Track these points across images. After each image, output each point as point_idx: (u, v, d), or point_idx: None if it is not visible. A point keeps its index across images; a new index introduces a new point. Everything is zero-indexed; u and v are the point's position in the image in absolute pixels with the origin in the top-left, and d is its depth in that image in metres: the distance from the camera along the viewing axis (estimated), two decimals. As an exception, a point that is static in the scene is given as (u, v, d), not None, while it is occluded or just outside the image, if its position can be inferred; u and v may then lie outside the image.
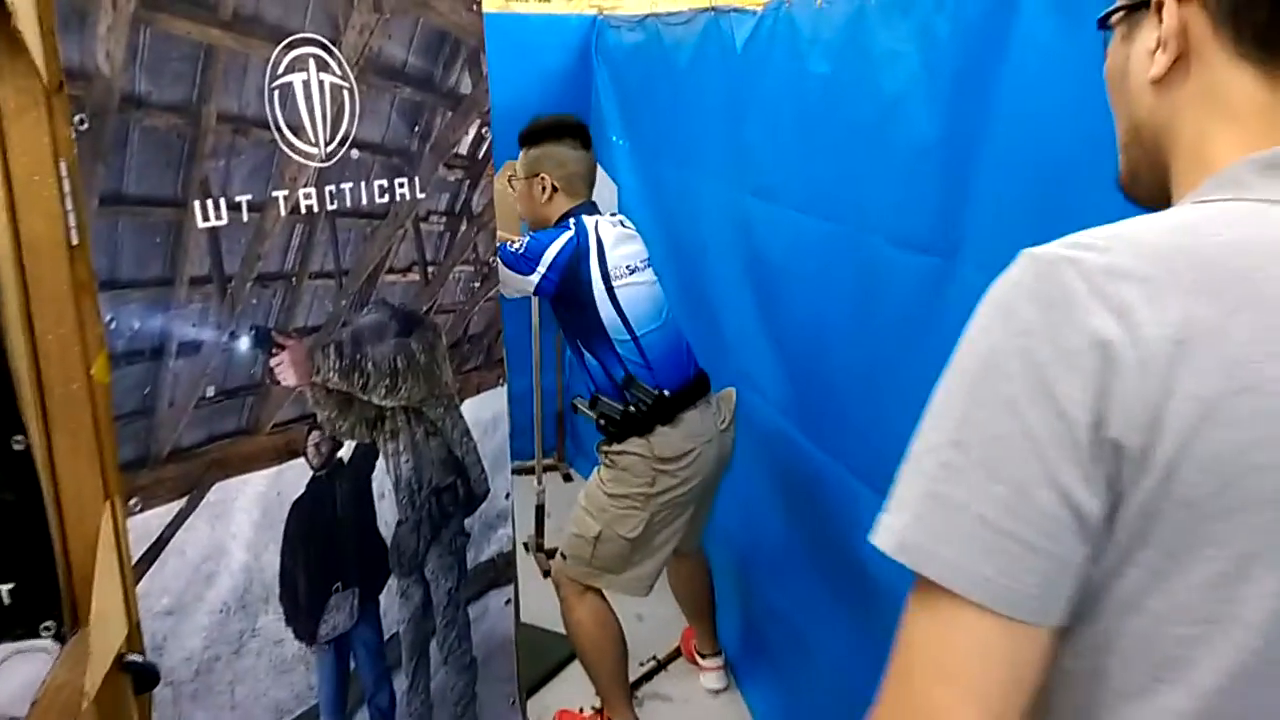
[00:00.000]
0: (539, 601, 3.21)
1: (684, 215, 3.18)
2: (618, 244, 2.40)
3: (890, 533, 0.62)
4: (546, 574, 3.40)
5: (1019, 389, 0.57)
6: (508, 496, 2.01)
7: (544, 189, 2.46)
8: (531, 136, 2.51)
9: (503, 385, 1.97)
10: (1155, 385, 0.55)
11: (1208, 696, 0.57)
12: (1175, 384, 0.55)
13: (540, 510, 3.48)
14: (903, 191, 1.96)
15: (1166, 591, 0.58)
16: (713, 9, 2.81)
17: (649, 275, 2.45)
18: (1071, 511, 0.57)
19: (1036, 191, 1.56)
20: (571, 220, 2.39)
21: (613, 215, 2.53)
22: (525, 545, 3.53)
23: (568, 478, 4.17)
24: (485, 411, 1.93)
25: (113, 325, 1.23)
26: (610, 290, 2.34)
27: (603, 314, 2.34)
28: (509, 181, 2.60)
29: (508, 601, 2.08)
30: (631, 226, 2.51)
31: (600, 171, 3.54)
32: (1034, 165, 1.58)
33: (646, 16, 3.34)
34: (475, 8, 1.80)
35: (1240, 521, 0.55)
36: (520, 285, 2.34)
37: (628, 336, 2.34)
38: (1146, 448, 0.55)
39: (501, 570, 2.04)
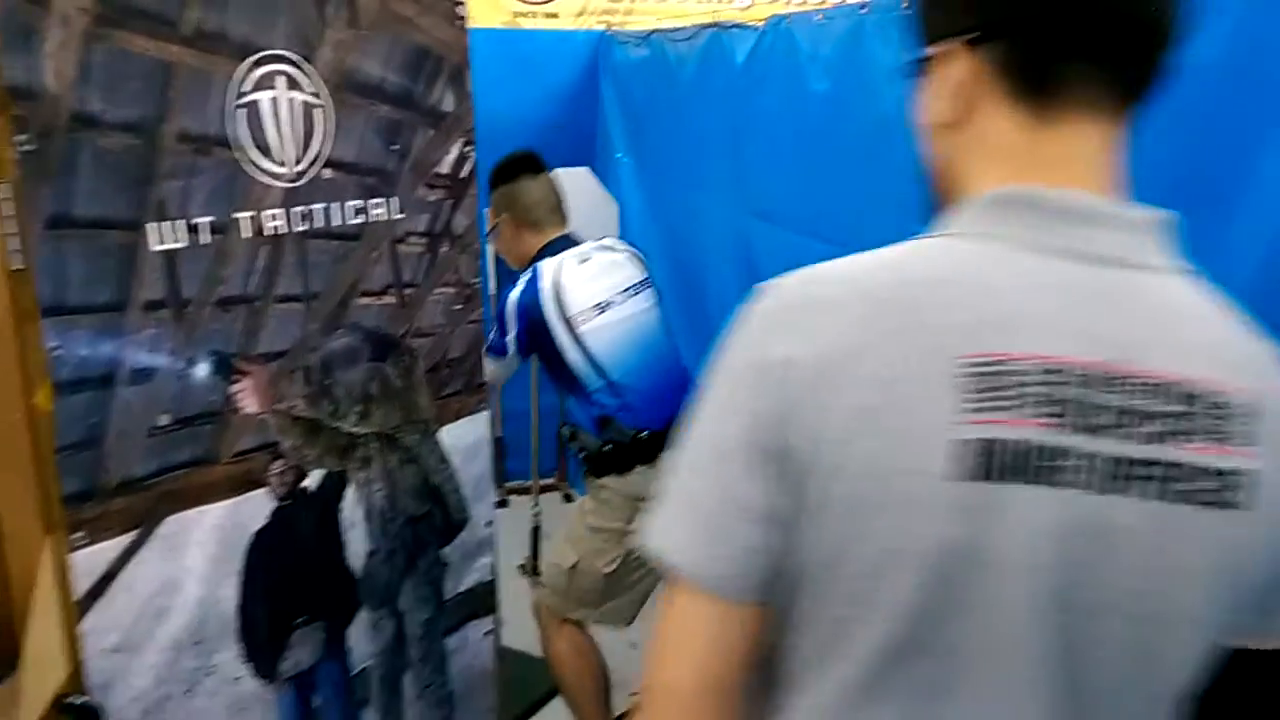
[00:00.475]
0: (532, 627, 3.14)
1: (687, 234, 3.12)
2: (589, 281, 2.25)
3: (650, 528, 0.71)
4: (540, 598, 3.34)
5: (725, 400, 0.68)
6: (489, 525, 1.95)
7: (511, 230, 2.39)
8: (490, 183, 2.43)
9: (485, 410, 1.92)
10: (822, 399, 0.63)
11: (870, 667, 0.66)
12: (827, 401, 0.63)
13: (536, 532, 3.42)
14: (904, 216, 1.90)
15: (835, 578, 0.65)
16: (716, 25, 2.76)
17: (630, 308, 2.30)
18: (752, 508, 0.65)
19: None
20: (532, 266, 2.30)
21: (597, 242, 2.39)
22: (521, 567, 3.47)
23: (568, 498, 4.11)
24: (465, 437, 1.87)
25: (58, 352, 1.18)
26: (575, 336, 2.19)
27: (569, 361, 2.21)
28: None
29: (488, 633, 2.02)
30: (624, 249, 2.39)
31: (601, 190, 3.50)
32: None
33: (652, 32, 3.29)
34: (458, 24, 1.75)
35: (888, 520, 0.63)
36: (510, 364, 2.27)
37: (601, 382, 2.22)
38: (814, 453, 0.63)
39: (482, 600, 1.98)
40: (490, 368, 2.07)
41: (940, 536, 0.62)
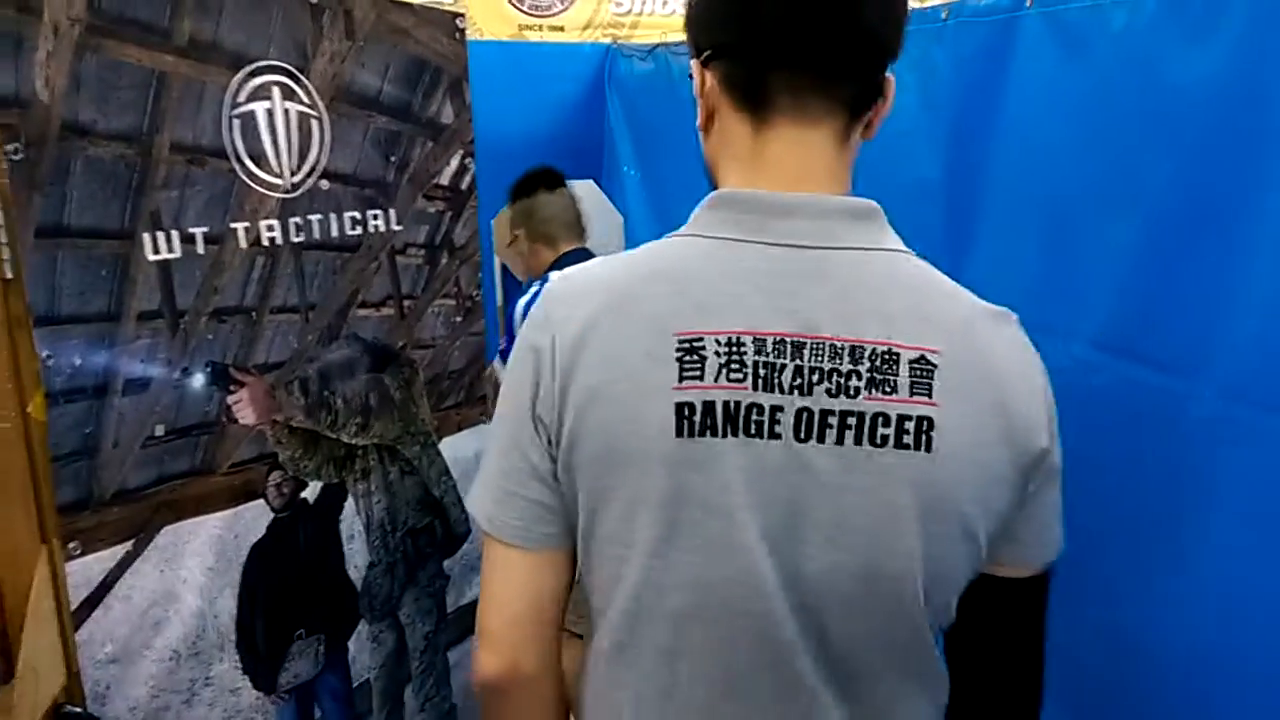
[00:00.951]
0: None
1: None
2: None
3: (470, 496, 0.83)
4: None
5: (511, 381, 0.79)
6: (491, 537, 1.94)
7: (527, 244, 2.40)
8: (509, 197, 2.44)
9: (486, 422, 1.91)
10: (562, 378, 0.75)
11: (638, 596, 0.77)
12: (574, 377, 0.74)
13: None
14: (905, 228, 1.88)
15: (601, 522, 0.77)
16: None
17: None
18: (531, 468, 0.78)
19: (1039, 232, 1.48)
20: (545, 275, 2.29)
21: (607, 256, 2.43)
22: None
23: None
24: (467, 449, 1.87)
25: (50, 362, 1.18)
26: None
27: None
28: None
29: (491, 646, 2.00)
30: None
31: (607, 204, 3.49)
32: (1037, 203, 1.49)
33: (656, 46, 3.29)
34: (458, 36, 1.76)
35: (625, 475, 0.74)
36: None
37: None
38: (560, 422, 0.75)
39: (484, 614, 1.97)
40: (502, 374, 2.07)
41: (666, 485, 0.73)
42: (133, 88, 1.25)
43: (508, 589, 0.80)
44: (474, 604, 1.92)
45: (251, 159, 1.40)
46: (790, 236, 0.75)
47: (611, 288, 0.77)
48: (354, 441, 1.61)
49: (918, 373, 0.73)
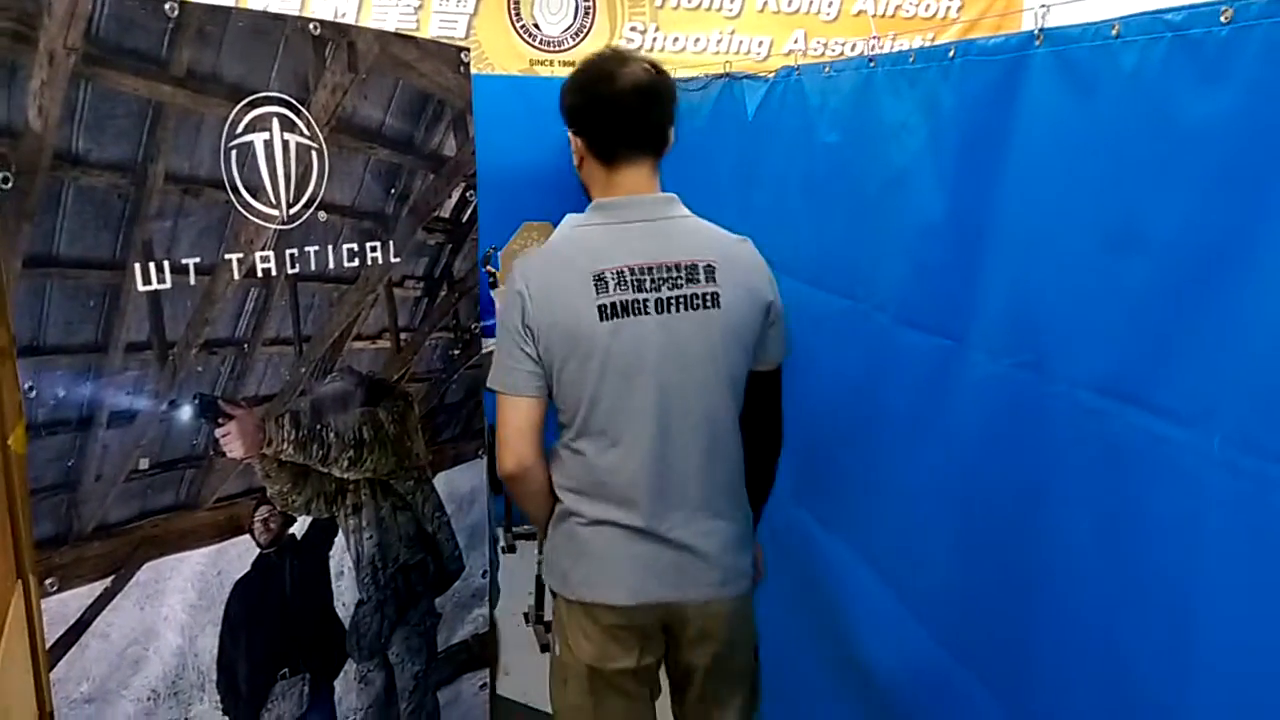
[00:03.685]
0: (535, 678, 3.07)
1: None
2: None
3: (489, 379, 1.47)
4: (544, 648, 3.26)
5: (507, 310, 1.43)
6: (484, 575, 1.91)
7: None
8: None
9: (483, 457, 1.88)
10: (535, 309, 1.39)
11: (583, 419, 1.43)
12: (543, 309, 1.39)
13: (540, 580, 3.35)
14: (912, 269, 1.85)
15: (564, 380, 1.41)
16: (728, 75, 2.75)
17: None
18: (524, 354, 1.41)
19: (1044, 269, 1.45)
20: None
21: None
22: (525, 616, 3.41)
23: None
24: (462, 485, 1.84)
25: (33, 394, 1.16)
26: None
27: None
28: None
29: (483, 686, 1.96)
30: None
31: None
32: (1042, 241, 1.47)
33: (666, 82, 3.29)
34: (462, 70, 1.75)
35: (576, 346, 1.39)
36: None
37: None
38: (537, 331, 1.40)
39: (476, 653, 1.93)
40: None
41: (600, 349, 1.39)
42: (128, 117, 1.24)
43: (516, 418, 1.43)
44: (465, 643, 1.89)
45: (248, 190, 1.38)
46: (635, 218, 1.47)
47: (555, 254, 1.46)
48: (346, 476, 1.59)
49: (708, 272, 1.45)
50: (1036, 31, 1.40)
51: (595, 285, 1.40)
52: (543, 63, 4.10)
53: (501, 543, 3.75)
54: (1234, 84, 1.09)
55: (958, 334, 1.70)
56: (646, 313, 1.42)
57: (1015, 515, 1.50)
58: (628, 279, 1.42)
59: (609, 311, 1.40)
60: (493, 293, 2.52)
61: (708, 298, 1.45)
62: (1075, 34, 1.32)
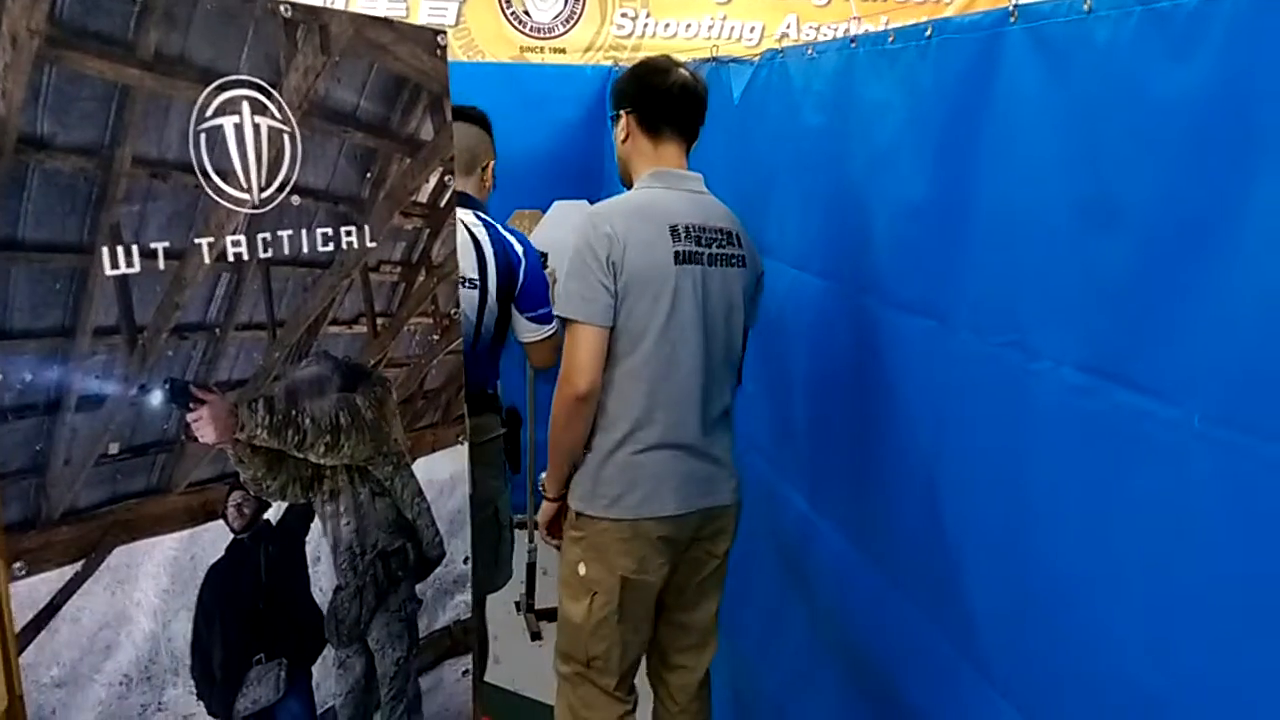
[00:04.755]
0: (526, 665, 3.08)
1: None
2: None
3: (558, 305, 1.91)
4: (535, 636, 3.27)
5: (587, 247, 1.85)
6: (466, 561, 1.91)
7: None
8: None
9: (463, 443, 1.88)
10: (620, 249, 1.82)
11: (649, 346, 1.87)
12: (626, 250, 1.83)
13: (532, 569, 3.36)
14: (896, 250, 1.85)
15: (635, 313, 1.85)
16: (714, 59, 2.74)
17: None
18: (604, 287, 1.82)
19: (1026, 247, 1.44)
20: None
21: None
22: (516, 605, 3.41)
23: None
24: (442, 471, 1.83)
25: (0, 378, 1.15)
26: None
27: None
28: None
29: (465, 672, 1.96)
30: None
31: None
32: (1023, 219, 1.46)
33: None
34: (439, 53, 1.73)
35: (653, 284, 1.85)
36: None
37: None
38: (618, 268, 1.82)
39: (459, 639, 1.93)
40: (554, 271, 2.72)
41: (670, 289, 1.84)
42: (94, 100, 1.23)
43: (591, 343, 1.82)
44: (447, 629, 1.89)
45: (218, 174, 1.38)
46: (684, 187, 1.95)
47: (631, 208, 1.89)
48: (322, 461, 1.58)
49: (735, 239, 1.95)
50: (1011, 8, 1.39)
51: (671, 235, 1.84)
52: (533, 49, 4.09)
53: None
54: (1204, 56, 1.08)
55: (943, 314, 1.70)
56: (702, 264, 1.86)
57: (1001, 492, 1.50)
58: (692, 233, 1.86)
59: (682, 257, 1.84)
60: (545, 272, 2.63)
61: (735, 259, 1.93)
62: (1048, 10, 1.31)
